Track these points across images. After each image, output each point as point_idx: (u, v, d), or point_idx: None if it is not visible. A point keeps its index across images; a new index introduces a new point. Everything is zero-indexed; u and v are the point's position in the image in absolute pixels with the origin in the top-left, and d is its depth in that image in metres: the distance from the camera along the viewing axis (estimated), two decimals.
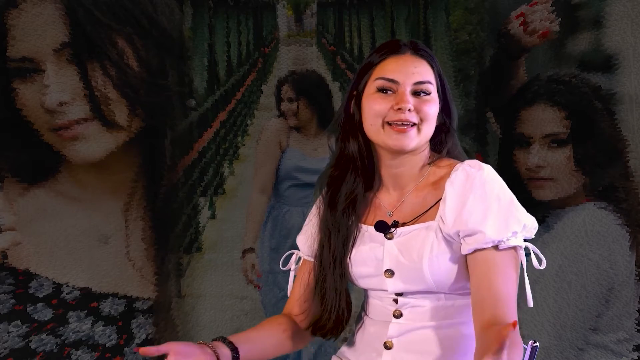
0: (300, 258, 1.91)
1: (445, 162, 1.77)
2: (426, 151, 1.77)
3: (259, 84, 4.38)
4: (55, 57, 3.22)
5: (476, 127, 3.69)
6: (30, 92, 3.24)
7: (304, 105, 3.59)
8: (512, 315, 1.62)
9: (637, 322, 3.32)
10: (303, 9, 4.37)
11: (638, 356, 3.31)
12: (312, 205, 1.90)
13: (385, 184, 1.80)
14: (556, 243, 3.32)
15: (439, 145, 1.80)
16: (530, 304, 1.69)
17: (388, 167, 1.77)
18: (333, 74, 4.35)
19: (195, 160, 3.82)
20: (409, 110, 1.69)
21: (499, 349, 1.39)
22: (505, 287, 1.63)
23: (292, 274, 1.92)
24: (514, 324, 1.44)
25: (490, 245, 1.64)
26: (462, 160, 1.75)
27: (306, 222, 1.90)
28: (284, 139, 3.62)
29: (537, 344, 1.74)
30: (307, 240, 1.87)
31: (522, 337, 1.69)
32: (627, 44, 3.28)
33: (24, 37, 3.22)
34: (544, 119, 3.38)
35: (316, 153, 3.56)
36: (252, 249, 3.58)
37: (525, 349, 1.87)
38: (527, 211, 1.73)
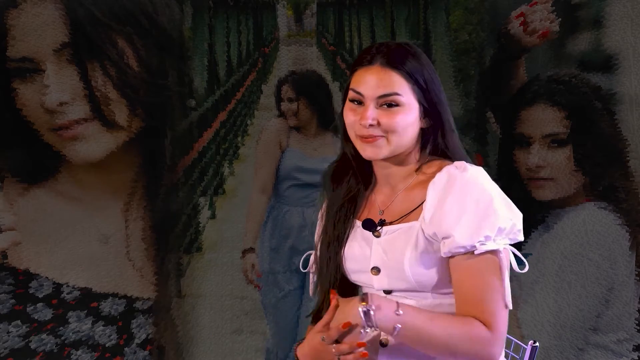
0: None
1: (437, 163, 1.77)
2: (414, 153, 1.78)
3: (259, 84, 4.39)
4: (55, 57, 3.22)
5: (476, 127, 3.69)
6: (30, 92, 3.24)
7: (304, 105, 3.59)
8: (490, 316, 1.61)
9: (637, 322, 3.32)
10: (303, 9, 4.37)
11: (638, 356, 3.31)
12: (319, 203, 1.92)
13: (380, 183, 1.82)
14: (556, 243, 3.32)
15: (430, 146, 1.80)
16: (510, 306, 1.67)
17: (379, 168, 1.80)
18: (333, 74, 4.36)
19: (195, 160, 3.82)
20: (371, 125, 1.71)
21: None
22: (482, 291, 1.63)
23: (312, 276, 1.93)
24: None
25: (462, 250, 1.64)
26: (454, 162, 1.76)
27: (318, 221, 1.92)
28: (284, 139, 3.62)
29: (537, 344, 1.75)
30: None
31: (522, 337, 1.69)
32: (627, 44, 3.29)
33: (24, 37, 3.22)
34: (544, 119, 3.38)
35: (316, 153, 3.56)
36: (252, 249, 3.58)
37: (525, 349, 1.88)
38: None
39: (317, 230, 1.92)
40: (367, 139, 1.72)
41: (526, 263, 1.70)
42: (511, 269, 1.69)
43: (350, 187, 1.83)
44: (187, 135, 3.72)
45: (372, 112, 1.71)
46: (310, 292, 1.94)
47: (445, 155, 1.80)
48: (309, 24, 4.37)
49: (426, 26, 3.93)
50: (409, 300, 1.72)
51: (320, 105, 3.59)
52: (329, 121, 3.59)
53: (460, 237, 1.64)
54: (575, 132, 3.34)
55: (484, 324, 1.61)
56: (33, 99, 3.24)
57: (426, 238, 1.69)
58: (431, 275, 1.70)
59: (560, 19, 3.40)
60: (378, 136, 1.72)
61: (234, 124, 4.33)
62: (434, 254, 1.69)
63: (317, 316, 1.86)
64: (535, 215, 3.36)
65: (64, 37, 3.22)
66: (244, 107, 4.40)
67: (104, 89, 3.26)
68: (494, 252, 1.65)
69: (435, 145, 1.79)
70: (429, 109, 1.76)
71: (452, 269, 1.67)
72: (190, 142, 3.75)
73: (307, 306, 3.52)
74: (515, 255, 1.69)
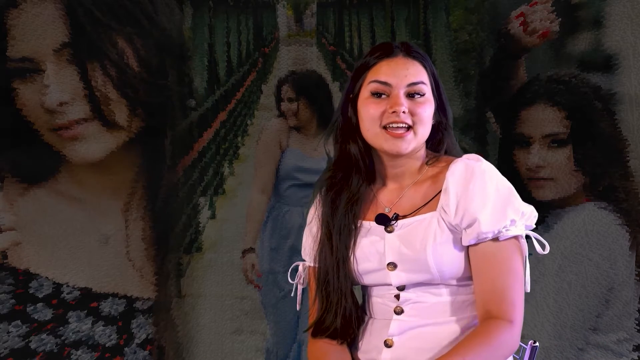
0: (306, 269, 1.89)
1: (444, 159, 1.78)
2: (423, 150, 1.79)
3: (259, 84, 4.39)
4: (55, 57, 3.22)
5: (476, 127, 3.69)
6: (30, 92, 3.24)
7: (304, 105, 3.59)
8: (509, 306, 1.64)
9: (637, 322, 3.32)
10: (303, 9, 4.37)
11: (638, 356, 3.31)
12: (310, 210, 1.89)
13: (386, 182, 1.81)
14: (556, 243, 3.32)
15: (436, 144, 1.81)
16: (527, 289, 1.71)
17: (388, 168, 1.79)
18: (333, 74, 4.35)
19: (195, 160, 3.82)
20: (403, 112, 1.70)
21: None
22: (504, 279, 1.66)
23: (300, 287, 1.91)
24: None
25: (490, 236, 1.66)
26: (460, 157, 1.76)
27: (307, 231, 1.89)
28: (284, 139, 3.62)
29: (537, 344, 1.75)
30: (313, 249, 1.86)
31: (522, 337, 1.70)
32: (627, 44, 3.29)
33: (24, 37, 3.22)
34: (544, 119, 3.38)
35: (316, 153, 3.56)
36: (252, 249, 3.58)
37: (525, 349, 1.88)
38: None
39: (307, 243, 1.86)
40: (396, 132, 1.70)
41: (547, 245, 1.71)
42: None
43: (353, 190, 1.79)
44: (187, 135, 3.72)
45: (404, 100, 1.71)
46: (298, 305, 1.91)
47: (445, 151, 1.81)
48: (309, 24, 4.37)
49: (426, 26, 3.92)
50: (424, 297, 1.72)
51: (320, 105, 3.59)
52: (329, 121, 3.59)
53: (486, 223, 1.65)
54: (575, 132, 3.34)
55: (504, 314, 1.63)
56: (33, 99, 3.24)
57: (447, 227, 1.70)
58: (452, 264, 1.70)
59: (560, 19, 3.40)
60: (407, 127, 1.71)
61: (234, 124, 4.33)
62: (455, 243, 1.70)
63: (318, 328, 1.82)
64: None
65: (64, 37, 3.22)
66: (244, 107, 4.40)
67: (104, 89, 3.26)
68: (517, 237, 1.68)
69: (440, 143, 1.80)
70: (439, 104, 1.77)
71: (474, 256, 1.68)
72: (190, 142, 3.75)
73: (307, 306, 3.52)
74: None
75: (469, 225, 1.67)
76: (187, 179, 3.69)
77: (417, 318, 1.73)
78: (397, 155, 1.74)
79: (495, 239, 1.66)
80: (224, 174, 4.13)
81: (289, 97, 3.61)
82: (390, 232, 1.75)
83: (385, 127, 1.71)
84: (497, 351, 1.62)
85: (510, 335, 1.64)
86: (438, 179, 1.74)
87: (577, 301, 3.30)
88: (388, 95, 1.72)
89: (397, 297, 1.75)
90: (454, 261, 1.70)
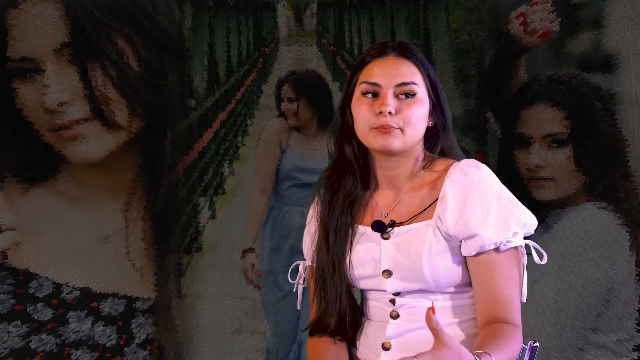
0: (306, 268, 1.89)
1: (442, 162, 1.77)
2: (420, 152, 1.77)
3: (259, 84, 4.39)
4: (55, 57, 3.22)
5: (476, 127, 3.69)
6: (30, 92, 3.24)
7: (304, 105, 3.59)
8: (514, 314, 1.65)
9: (637, 322, 3.32)
10: (303, 9, 4.37)
11: (638, 356, 3.31)
12: (309, 210, 1.89)
13: (381, 185, 1.80)
14: (556, 243, 3.32)
15: (434, 146, 1.79)
16: (524, 299, 1.70)
17: (383, 169, 1.77)
18: (333, 74, 4.36)
19: (195, 160, 3.82)
20: (390, 113, 1.68)
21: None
22: (507, 287, 1.66)
23: (300, 287, 1.90)
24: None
25: (492, 247, 1.65)
26: (459, 161, 1.75)
27: (305, 231, 1.89)
28: (284, 139, 3.62)
29: (537, 344, 1.75)
30: (311, 249, 1.86)
31: (522, 337, 1.70)
32: (627, 44, 3.29)
33: (24, 37, 3.22)
34: (544, 119, 3.38)
35: (316, 153, 3.56)
36: (252, 249, 3.58)
37: (525, 349, 1.88)
38: None
39: (305, 242, 1.87)
40: (383, 129, 1.69)
41: (544, 255, 1.72)
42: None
43: (348, 191, 1.79)
44: (187, 135, 3.72)
45: (392, 100, 1.70)
46: (298, 305, 1.92)
47: (444, 154, 1.79)
48: (309, 24, 4.37)
49: (426, 26, 3.92)
50: (420, 302, 1.72)
51: (320, 105, 3.59)
52: (329, 121, 3.59)
53: (489, 237, 1.65)
54: (575, 132, 3.34)
55: (513, 321, 1.65)
56: (33, 99, 3.24)
57: (443, 236, 1.69)
58: (448, 273, 1.70)
59: (560, 19, 3.40)
60: (394, 127, 1.70)
61: (234, 124, 4.33)
62: (451, 251, 1.69)
63: (316, 328, 1.83)
64: (536, 215, 3.36)
65: (64, 37, 3.22)
66: (244, 107, 4.40)
67: (104, 89, 3.25)
68: (516, 247, 1.68)
69: (437, 145, 1.79)
70: (436, 106, 1.76)
71: (474, 265, 1.68)
72: (190, 142, 3.75)
73: (307, 306, 3.52)
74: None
75: (470, 238, 1.66)
76: (187, 179, 3.69)
77: (414, 322, 1.73)
78: (388, 154, 1.73)
79: (497, 249, 1.66)
80: (224, 174, 4.14)
81: (289, 97, 3.61)
82: (386, 238, 1.74)
83: (374, 127, 1.71)
84: (510, 352, 1.62)
85: (520, 339, 1.65)
86: (435, 185, 1.73)
87: (577, 301, 3.30)
88: (378, 96, 1.71)
89: (393, 301, 1.75)
90: (449, 270, 1.70)
